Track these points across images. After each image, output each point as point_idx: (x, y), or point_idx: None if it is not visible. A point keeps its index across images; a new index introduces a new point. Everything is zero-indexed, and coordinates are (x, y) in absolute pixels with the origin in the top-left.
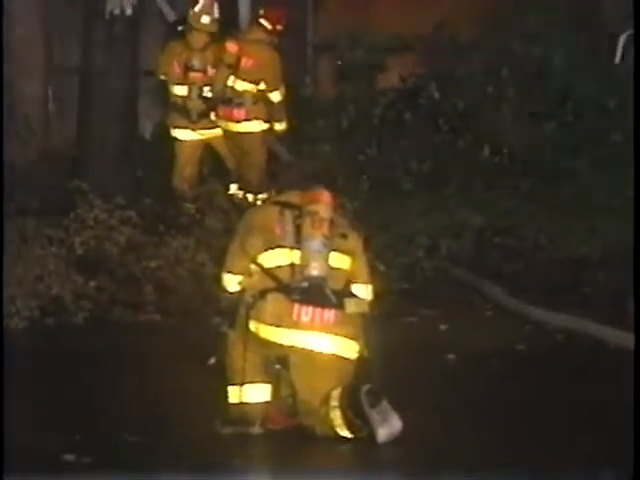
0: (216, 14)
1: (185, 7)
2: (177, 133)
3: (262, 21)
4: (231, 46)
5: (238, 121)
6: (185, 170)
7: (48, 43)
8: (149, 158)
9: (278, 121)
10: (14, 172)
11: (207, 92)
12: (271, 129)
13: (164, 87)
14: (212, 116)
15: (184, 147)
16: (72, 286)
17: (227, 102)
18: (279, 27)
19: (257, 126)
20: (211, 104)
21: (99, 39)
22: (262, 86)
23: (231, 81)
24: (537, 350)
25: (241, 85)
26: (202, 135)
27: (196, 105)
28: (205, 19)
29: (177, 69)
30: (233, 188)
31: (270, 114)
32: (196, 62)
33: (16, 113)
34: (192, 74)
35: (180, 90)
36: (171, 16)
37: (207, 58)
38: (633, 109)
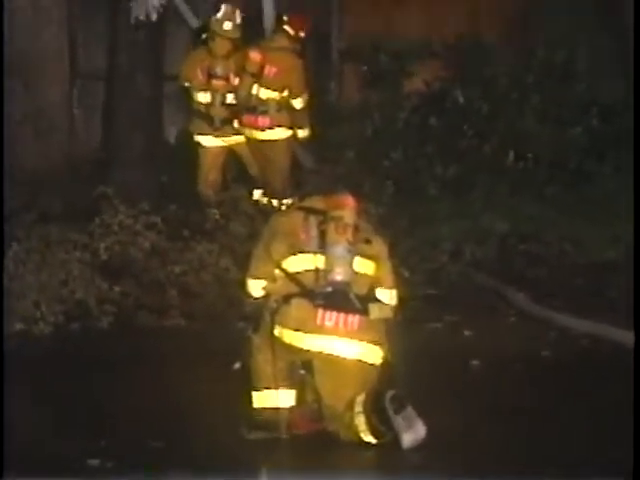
0: (238, 20)
1: (208, 14)
2: (200, 139)
3: (286, 28)
4: (254, 55)
5: (262, 129)
6: (209, 176)
7: (73, 48)
8: (174, 163)
9: (301, 128)
10: (39, 177)
11: (230, 99)
12: (294, 136)
13: (187, 94)
14: (236, 124)
15: (207, 153)
16: (96, 291)
17: (251, 110)
18: (302, 34)
19: (281, 133)
20: (234, 111)
21: (124, 44)
22: (286, 93)
23: (255, 89)
24: (562, 356)
25: (265, 93)
26: (225, 141)
27: (219, 112)
28: (227, 25)
29: (200, 76)
30: (257, 194)
31: (293, 121)
32: (219, 69)
33: (41, 117)
34: (215, 81)
35: (203, 97)
36: (194, 23)
37: (230, 65)
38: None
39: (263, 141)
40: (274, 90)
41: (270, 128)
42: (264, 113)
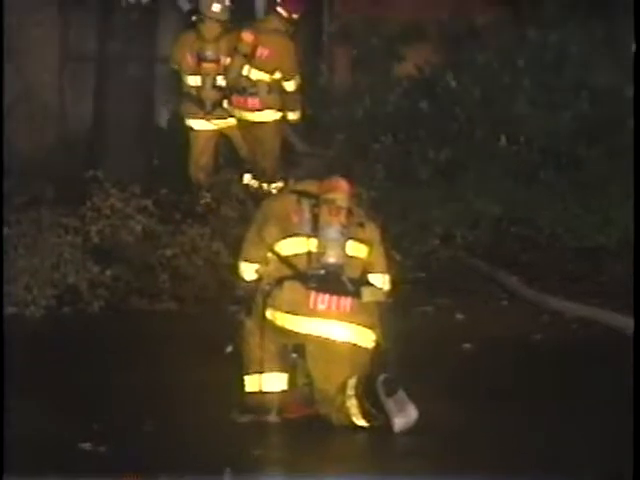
0: (227, 2)
1: None
2: (191, 123)
3: (279, 9)
4: (247, 35)
5: (252, 110)
6: (200, 159)
7: (64, 30)
8: (165, 146)
9: (292, 110)
10: (30, 161)
11: (220, 82)
12: (285, 118)
13: (178, 77)
14: (225, 104)
15: (199, 137)
16: (88, 275)
17: (241, 91)
18: (295, 16)
19: (271, 115)
20: (225, 93)
21: (116, 26)
22: (277, 75)
23: (246, 70)
24: (553, 340)
25: (256, 74)
26: (216, 125)
27: (210, 95)
28: (216, 7)
29: (190, 60)
30: (247, 178)
31: (284, 103)
32: (209, 52)
33: (32, 101)
34: (205, 65)
35: (193, 81)
36: (185, 6)
37: (220, 48)
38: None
39: (253, 123)
40: (265, 72)
41: (260, 110)
42: (254, 95)
